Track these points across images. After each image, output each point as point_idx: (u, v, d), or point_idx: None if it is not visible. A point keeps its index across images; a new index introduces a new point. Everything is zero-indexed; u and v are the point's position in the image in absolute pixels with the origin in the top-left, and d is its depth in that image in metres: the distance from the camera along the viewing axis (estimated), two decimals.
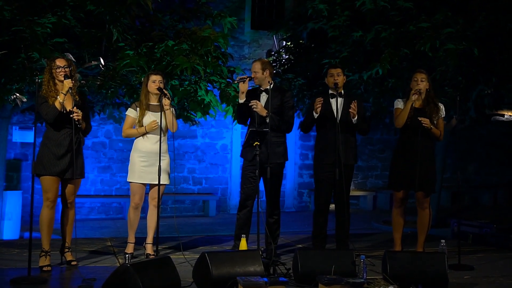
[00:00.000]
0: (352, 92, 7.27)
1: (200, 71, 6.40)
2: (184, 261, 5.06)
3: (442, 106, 5.42)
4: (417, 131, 5.23)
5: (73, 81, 4.76)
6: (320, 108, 5.25)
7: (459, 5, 7.19)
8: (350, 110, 5.24)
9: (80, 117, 4.73)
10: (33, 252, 4.47)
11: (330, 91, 5.44)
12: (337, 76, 5.38)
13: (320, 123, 5.42)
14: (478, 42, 6.84)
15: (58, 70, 4.76)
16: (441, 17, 6.81)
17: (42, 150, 4.80)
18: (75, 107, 4.73)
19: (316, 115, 5.31)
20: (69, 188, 4.87)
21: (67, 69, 4.77)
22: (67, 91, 4.68)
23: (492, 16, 6.89)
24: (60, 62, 4.81)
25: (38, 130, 4.58)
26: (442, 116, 5.40)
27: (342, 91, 5.45)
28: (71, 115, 4.68)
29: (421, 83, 5.28)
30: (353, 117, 5.28)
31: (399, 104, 5.42)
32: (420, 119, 5.18)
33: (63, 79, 4.73)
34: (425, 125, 5.18)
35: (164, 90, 5.11)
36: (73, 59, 5.02)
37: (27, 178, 9.98)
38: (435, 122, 5.32)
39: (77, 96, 4.87)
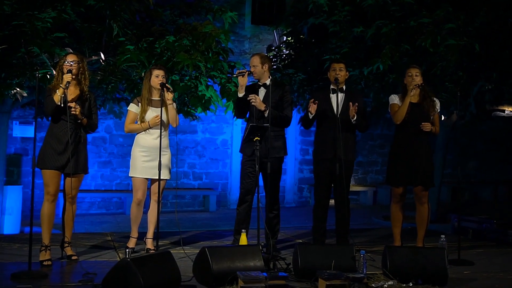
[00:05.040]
0: (353, 88, 7.27)
1: (201, 67, 6.40)
2: (184, 256, 5.07)
3: (437, 101, 5.43)
4: (414, 126, 5.25)
5: (73, 76, 4.78)
6: (313, 109, 5.25)
7: (460, 1, 7.17)
8: (350, 112, 5.25)
9: (77, 112, 4.75)
10: (33, 247, 4.48)
11: (332, 86, 5.44)
12: (339, 71, 5.38)
13: (320, 118, 5.43)
14: (479, 38, 6.83)
15: (65, 65, 4.81)
16: (442, 12, 6.79)
17: (44, 144, 4.85)
18: (74, 102, 4.74)
19: (311, 116, 5.32)
20: (71, 182, 4.88)
21: (74, 65, 4.82)
22: (66, 85, 4.69)
23: (493, 12, 6.87)
24: (70, 57, 4.88)
25: (38, 124, 4.59)
26: (438, 111, 5.42)
27: (344, 87, 5.46)
28: (71, 110, 4.70)
29: (416, 77, 5.28)
30: (352, 118, 5.28)
31: (395, 99, 5.42)
32: (421, 126, 5.19)
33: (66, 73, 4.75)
34: (427, 129, 5.20)
35: (166, 84, 5.12)
36: (83, 56, 5.03)
37: (28, 173, 9.99)
38: (432, 117, 5.33)
39: (87, 92, 4.89)
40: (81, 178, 5.03)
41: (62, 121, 4.80)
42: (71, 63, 4.82)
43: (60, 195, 4.94)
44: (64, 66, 4.81)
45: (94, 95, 5.23)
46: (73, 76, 4.79)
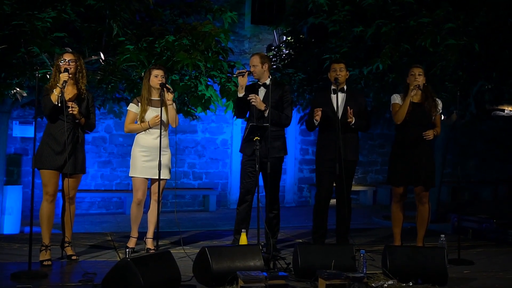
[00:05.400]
0: (353, 87, 7.27)
1: (201, 67, 6.40)
2: (184, 256, 5.08)
3: (439, 101, 5.43)
4: (415, 126, 5.25)
5: (70, 75, 4.75)
6: (319, 116, 5.26)
7: (460, 1, 7.18)
8: (347, 117, 5.25)
9: (75, 112, 4.73)
10: (33, 247, 4.48)
11: (332, 87, 5.44)
12: (339, 71, 5.38)
13: (322, 119, 5.42)
14: (479, 38, 6.83)
15: (62, 64, 4.78)
16: (442, 12, 6.79)
17: (42, 144, 4.82)
18: (72, 102, 4.73)
19: (316, 123, 5.33)
20: (69, 183, 4.87)
21: (72, 64, 4.79)
22: (63, 84, 4.67)
23: (493, 12, 6.88)
24: (67, 56, 4.86)
25: (38, 124, 4.59)
26: (440, 111, 5.41)
27: (344, 87, 5.46)
28: (69, 109, 4.69)
29: (419, 77, 5.28)
30: (351, 123, 5.28)
31: (396, 99, 5.42)
32: (424, 135, 5.20)
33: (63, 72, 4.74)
34: (429, 138, 5.21)
35: (167, 85, 5.12)
36: (79, 55, 5.02)
37: (28, 173, 10.00)
38: (433, 117, 5.32)
39: (85, 92, 4.88)
40: (79, 178, 5.01)
41: (60, 121, 4.78)
42: (68, 61, 4.80)
43: (59, 194, 4.94)
44: (61, 65, 4.79)
45: (92, 94, 5.21)
46: (70, 75, 4.76)
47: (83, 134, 4.97)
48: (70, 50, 5.14)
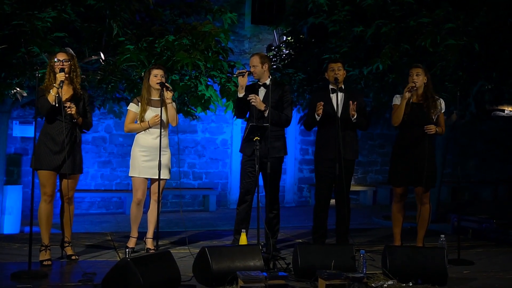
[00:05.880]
0: (352, 87, 7.27)
1: (201, 67, 6.40)
2: (184, 256, 5.08)
3: (441, 101, 5.41)
4: (414, 126, 5.24)
5: (66, 75, 4.74)
6: (321, 111, 5.26)
7: (460, 1, 7.17)
8: (350, 110, 5.24)
9: (73, 111, 4.72)
10: (33, 247, 4.48)
11: (331, 86, 5.45)
12: (338, 71, 5.38)
13: (322, 119, 5.43)
14: (479, 38, 6.83)
15: (56, 64, 4.77)
16: (442, 12, 6.79)
17: (39, 144, 4.81)
18: (69, 102, 4.72)
19: (318, 118, 5.32)
20: (67, 183, 4.86)
21: (66, 63, 4.78)
22: (59, 85, 4.67)
23: (493, 12, 6.87)
24: (60, 55, 4.83)
25: (38, 124, 4.59)
26: (442, 111, 5.39)
27: (343, 86, 5.46)
28: (66, 109, 4.68)
29: (417, 77, 5.25)
30: (352, 117, 5.28)
31: (397, 100, 5.41)
32: (425, 129, 5.18)
33: (58, 72, 4.73)
34: (430, 132, 5.18)
35: (166, 84, 5.12)
36: (73, 53, 5.02)
37: (28, 173, 9.99)
38: (433, 117, 5.31)
39: (80, 91, 4.87)
40: (77, 179, 5.01)
41: (57, 121, 4.77)
42: (62, 61, 4.79)
43: (58, 194, 4.94)
44: (55, 65, 4.77)
45: (88, 93, 5.20)
46: (66, 75, 4.76)
47: (80, 134, 4.97)
48: (69, 49, 5.12)
